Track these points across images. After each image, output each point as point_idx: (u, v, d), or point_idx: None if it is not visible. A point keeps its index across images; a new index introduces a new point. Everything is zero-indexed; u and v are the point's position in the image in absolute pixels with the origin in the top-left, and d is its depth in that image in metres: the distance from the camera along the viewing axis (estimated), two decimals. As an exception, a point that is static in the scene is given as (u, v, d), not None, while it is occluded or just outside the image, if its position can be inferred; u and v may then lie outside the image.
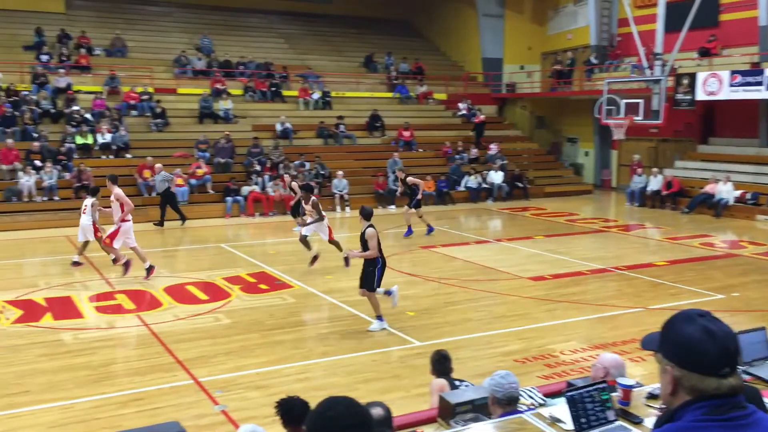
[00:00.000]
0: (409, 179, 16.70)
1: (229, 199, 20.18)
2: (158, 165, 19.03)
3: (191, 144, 21.95)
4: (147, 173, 19.87)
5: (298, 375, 7.69)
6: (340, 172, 21.68)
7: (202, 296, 11.10)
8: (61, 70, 23.33)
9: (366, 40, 31.57)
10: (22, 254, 15.12)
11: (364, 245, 9.09)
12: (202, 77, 25.87)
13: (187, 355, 8.23)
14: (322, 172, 22.16)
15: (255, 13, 31.12)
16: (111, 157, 20.77)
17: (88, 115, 21.59)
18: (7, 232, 16.98)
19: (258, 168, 21.45)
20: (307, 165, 22.09)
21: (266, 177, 21.15)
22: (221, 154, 21.70)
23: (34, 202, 18.42)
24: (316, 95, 26.37)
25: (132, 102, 23.10)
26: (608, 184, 27.67)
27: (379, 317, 9.29)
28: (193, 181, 20.44)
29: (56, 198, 18.80)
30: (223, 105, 24.23)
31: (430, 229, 16.74)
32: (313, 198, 13.08)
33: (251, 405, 6.84)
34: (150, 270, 12.15)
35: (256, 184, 20.90)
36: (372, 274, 9.17)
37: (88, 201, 13.03)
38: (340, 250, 13.13)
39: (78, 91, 22.79)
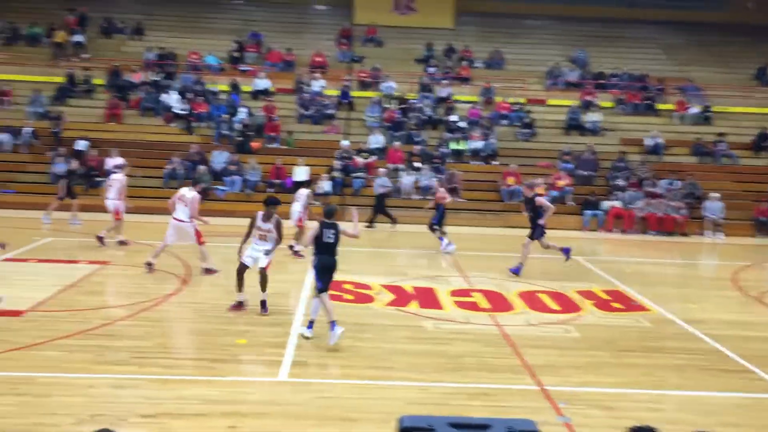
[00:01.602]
0: (538, 199, 13.18)
1: (588, 212, 19.90)
2: (382, 169, 19.65)
3: (555, 155, 22.18)
4: (511, 180, 20.62)
5: (649, 403, 7.24)
6: (715, 194, 19.78)
7: (554, 306, 11.12)
8: (444, 81, 25.52)
9: (763, 49, 28.21)
10: (396, 245, 17.04)
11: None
12: (572, 89, 25.91)
13: (535, 361, 8.33)
14: (694, 193, 20.49)
15: (633, 23, 30.05)
16: (479, 163, 22.04)
17: (462, 123, 23.22)
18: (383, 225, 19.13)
19: (621, 183, 20.72)
20: (678, 183, 20.64)
21: (629, 193, 20.31)
22: (584, 167, 21.49)
23: (411, 199, 20.41)
24: (695, 109, 24.51)
25: (503, 112, 24.20)
26: None
27: (310, 324, 8.81)
28: (553, 192, 20.58)
29: (429, 197, 20.52)
30: (591, 117, 23.96)
31: (566, 251, 13.37)
32: (276, 216, 9.91)
33: (595, 423, 6.65)
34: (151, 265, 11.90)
35: (619, 199, 20.21)
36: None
37: (303, 191, 14.44)
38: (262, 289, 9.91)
39: (456, 101, 24.66)
